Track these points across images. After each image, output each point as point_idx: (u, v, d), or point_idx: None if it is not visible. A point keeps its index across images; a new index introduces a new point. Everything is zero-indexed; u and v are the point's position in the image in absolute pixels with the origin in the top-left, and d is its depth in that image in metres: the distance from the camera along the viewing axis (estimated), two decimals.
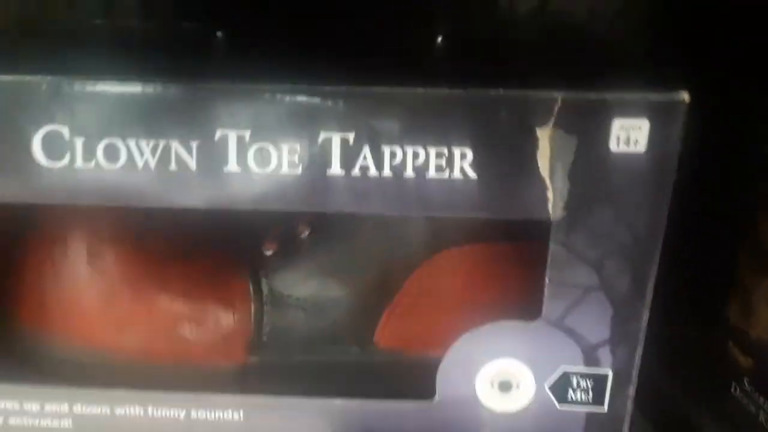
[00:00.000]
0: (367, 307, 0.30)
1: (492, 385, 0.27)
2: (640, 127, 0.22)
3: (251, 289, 0.30)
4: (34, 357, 0.29)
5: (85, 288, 0.30)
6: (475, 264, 0.29)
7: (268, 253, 0.30)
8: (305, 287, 0.30)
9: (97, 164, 0.23)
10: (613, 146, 0.22)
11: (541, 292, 0.26)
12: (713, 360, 0.53)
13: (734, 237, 0.50)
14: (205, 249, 0.30)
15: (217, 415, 0.28)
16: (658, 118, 0.22)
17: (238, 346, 0.30)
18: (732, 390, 0.50)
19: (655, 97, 0.22)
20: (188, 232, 0.30)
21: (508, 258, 0.29)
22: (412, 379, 0.28)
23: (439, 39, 0.31)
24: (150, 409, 0.28)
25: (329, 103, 0.22)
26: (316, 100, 0.22)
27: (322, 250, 0.30)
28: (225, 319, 0.30)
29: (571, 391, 0.27)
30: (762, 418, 0.48)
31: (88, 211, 0.27)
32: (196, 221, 0.30)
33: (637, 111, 0.22)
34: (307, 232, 0.30)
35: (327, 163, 0.23)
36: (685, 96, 0.22)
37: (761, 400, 0.48)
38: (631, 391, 0.27)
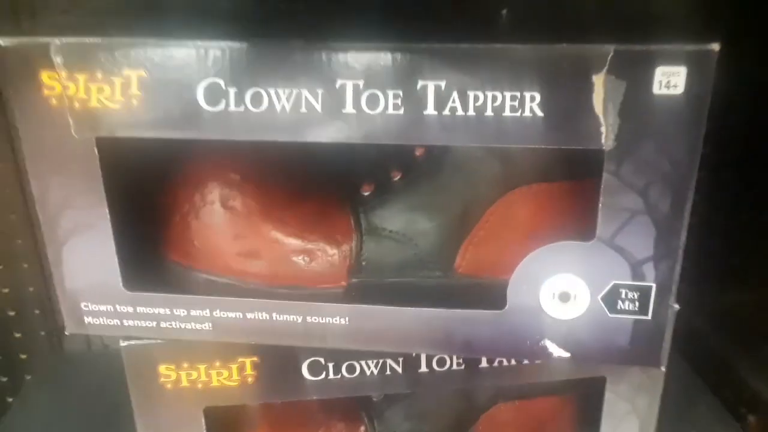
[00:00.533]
0: (449, 239, 0.36)
1: (553, 296, 0.32)
2: (678, 73, 0.27)
3: (352, 223, 0.37)
4: (180, 281, 0.35)
5: (220, 224, 0.36)
6: (541, 200, 0.35)
7: (366, 193, 0.37)
8: (397, 221, 0.36)
9: (246, 108, 0.30)
10: (656, 89, 0.28)
11: (595, 219, 0.31)
12: (757, 307, 0.57)
13: None
14: (314, 192, 0.37)
15: (327, 320, 0.34)
16: (693, 65, 0.27)
17: (341, 271, 0.36)
18: None
19: (690, 47, 0.27)
20: (300, 178, 0.37)
21: (568, 193, 0.34)
22: (487, 298, 0.34)
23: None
24: (274, 315, 0.34)
25: (426, 57, 0.28)
26: (416, 55, 0.28)
27: (411, 191, 0.36)
28: (330, 250, 0.36)
29: (620, 302, 0.32)
30: None
31: (223, 161, 0.34)
32: (307, 168, 0.36)
33: (676, 59, 0.27)
34: (399, 176, 0.36)
35: (423, 105, 0.29)
36: (715, 46, 0.27)
37: None
38: (672, 301, 0.32)
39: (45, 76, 0.30)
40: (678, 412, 0.41)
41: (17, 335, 0.63)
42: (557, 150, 0.33)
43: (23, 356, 0.63)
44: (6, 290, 0.61)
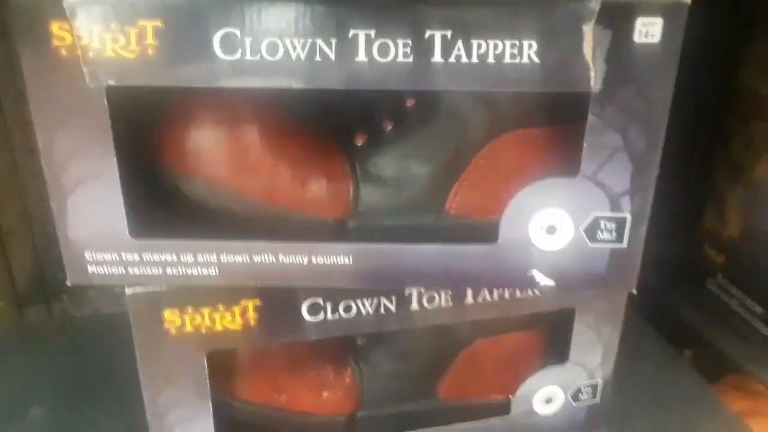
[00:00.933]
0: (440, 183, 0.39)
1: (541, 229, 0.36)
2: (655, 24, 0.31)
3: (348, 170, 0.39)
4: (189, 210, 0.37)
5: (221, 138, 0.37)
6: (526, 144, 0.38)
7: (360, 143, 0.39)
8: (390, 168, 0.39)
9: (262, 57, 0.31)
10: (636, 38, 0.31)
11: (575, 160, 0.35)
12: (692, 259, 0.63)
13: (712, 148, 0.60)
14: (312, 140, 0.39)
15: (331, 259, 0.36)
16: (668, 16, 0.31)
17: (339, 207, 0.38)
18: (707, 284, 0.61)
19: (666, 1, 0.31)
20: (298, 129, 0.39)
21: (550, 137, 0.38)
22: (476, 235, 0.37)
23: None
24: (280, 257, 0.36)
25: (433, 8, 0.31)
26: (423, 6, 0.31)
27: (402, 140, 0.39)
28: (328, 183, 0.38)
29: (599, 232, 0.36)
30: (734, 304, 0.58)
31: (240, 96, 0.35)
32: (304, 120, 0.38)
33: (654, 11, 0.31)
34: (390, 126, 0.39)
35: (431, 53, 0.31)
36: (687, 0, 0.31)
37: (733, 289, 0.58)
38: (643, 230, 0.36)
39: (55, 27, 0.31)
40: (630, 348, 0.46)
41: None
42: (540, 97, 0.37)
43: None
44: None
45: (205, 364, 0.39)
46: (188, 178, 0.37)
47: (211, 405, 0.40)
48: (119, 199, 0.34)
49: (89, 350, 0.57)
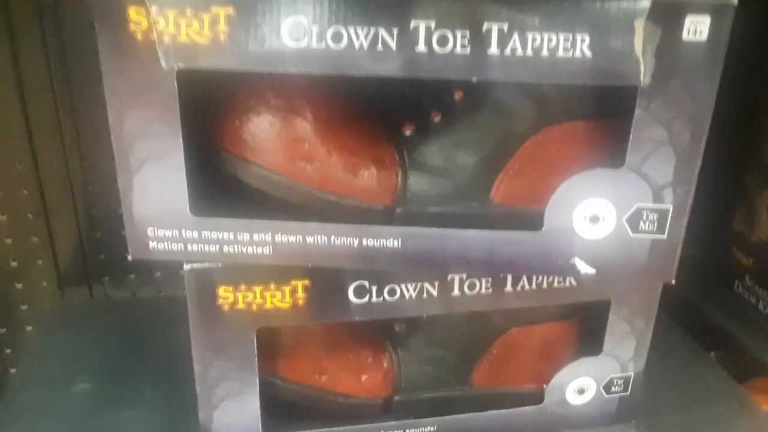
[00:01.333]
0: (485, 172, 0.40)
1: (584, 219, 0.37)
2: (703, 22, 0.32)
3: (397, 159, 0.40)
4: (246, 192, 0.38)
5: (277, 125, 0.39)
6: (570, 136, 0.39)
7: (408, 133, 0.41)
8: (437, 158, 0.40)
9: (327, 45, 0.33)
10: (685, 35, 0.33)
11: (617, 155, 0.36)
12: (721, 261, 0.64)
13: (743, 152, 0.61)
14: (363, 129, 0.40)
15: (381, 242, 0.38)
16: (716, 15, 0.32)
17: (387, 195, 0.40)
18: (735, 287, 0.62)
19: (714, 1, 0.32)
20: (350, 117, 0.40)
21: (594, 131, 0.39)
22: (518, 224, 0.39)
23: None
24: (332, 238, 0.38)
25: (490, 2, 0.32)
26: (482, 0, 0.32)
27: (450, 130, 0.40)
28: (378, 171, 0.40)
29: (641, 223, 0.37)
30: (761, 306, 0.59)
31: (296, 86, 0.37)
32: (363, 107, 0.40)
33: (703, 10, 0.32)
34: (438, 117, 0.40)
35: (488, 45, 0.33)
36: (734, 0, 0.32)
37: (761, 291, 0.59)
38: (684, 222, 0.37)
39: (132, 11, 0.33)
40: (659, 347, 0.47)
41: (18, 286, 0.63)
42: (585, 91, 0.38)
43: (24, 307, 0.64)
44: (9, 240, 0.61)
45: (255, 340, 0.40)
46: (245, 164, 0.39)
47: (258, 380, 0.41)
48: (182, 178, 0.36)
49: (128, 330, 0.59)
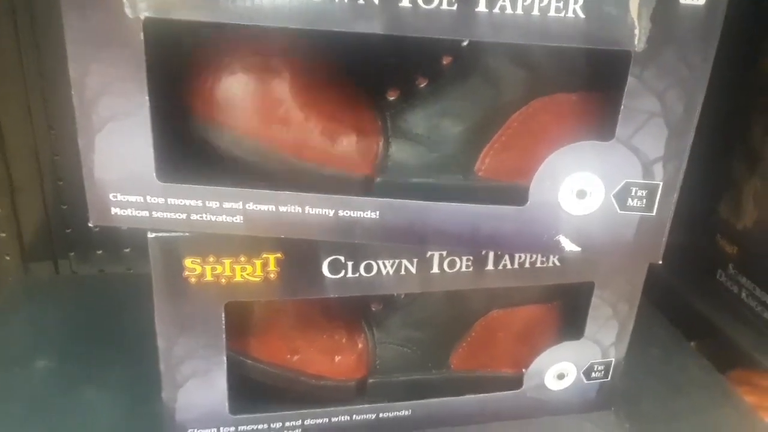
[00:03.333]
0: (471, 144, 0.38)
1: (571, 193, 0.35)
2: None
3: (379, 124, 0.38)
4: (217, 158, 0.36)
5: (252, 87, 0.36)
6: (561, 109, 0.38)
7: (392, 98, 0.39)
8: (421, 125, 0.39)
9: None
10: None
11: (608, 128, 0.34)
12: (704, 249, 0.63)
13: (729, 138, 0.60)
14: (344, 91, 0.38)
15: (358, 213, 0.36)
16: None
17: (367, 163, 0.38)
18: (718, 275, 0.61)
19: None
20: (331, 79, 0.38)
21: (585, 104, 0.37)
22: (503, 199, 0.37)
23: None
24: (307, 208, 0.36)
25: None
26: None
27: (436, 97, 0.38)
28: (357, 139, 0.38)
29: (629, 199, 0.36)
30: (743, 295, 0.58)
31: (273, 44, 0.35)
32: (337, 70, 0.38)
33: None
34: (424, 83, 0.38)
35: (475, 3, 0.31)
36: None
37: (744, 280, 0.58)
38: (674, 200, 0.36)
39: None
40: (640, 335, 0.46)
41: None
42: (576, 62, 0.36)
43: None
44: None
45: (223, 316, 0.38)
46: (218, 128, 0.37)
47: (225, 359, 0.39)
48: (148, 140, 0.34)
49: (94, 307, 0.57)
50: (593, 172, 0.35)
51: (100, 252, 0.63)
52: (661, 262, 0.37)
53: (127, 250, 0.64)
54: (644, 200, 0.35)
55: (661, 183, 0.35)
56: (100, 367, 0.49)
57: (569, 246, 0.36)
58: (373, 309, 0.46)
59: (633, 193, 0.35)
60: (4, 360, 0.49)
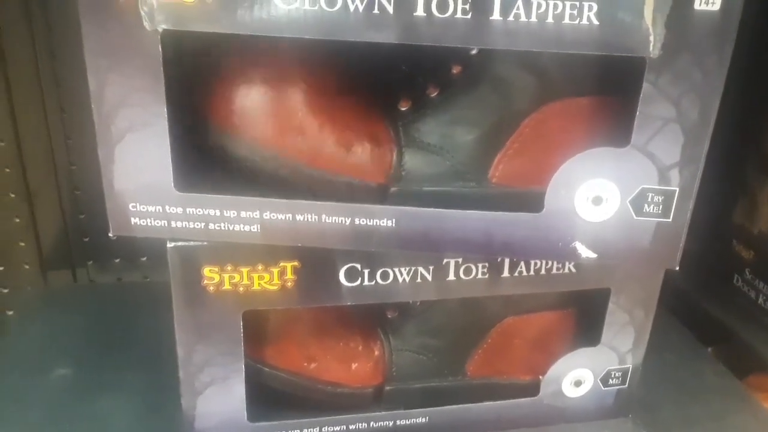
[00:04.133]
0: (484, 151, 0.39)
1: (587, 200, 0.35)
2: None
3: (392, 134, 0.39)
4: (235, 167, 0.36)
5: (268, 97, 0.37)
6: (572, 114, 0.38)
7: (404, 109, 0.39)
8: (433, 135, 0.39)
9: (320, 7, 0.31)
10: (697, 4, 0.31)
11: (621, 133, 0.34)
12: (720, 255, 0.63)
13: (743, 143, 0.60)
14: (358, 103, 0.39)
15: (374, 222, 0.36)
16: None
17: (381, 172, 0.38)
18: (735, 281, 0.60)
19: None
20: (345, 90, 0.39)
21: (597, 108, 0.38)
22: (517, 206, 0.37)
23: None
24: (323, 217, 0.36)
25: None
26: None
27: (447, 106, 0.39)
28: (371, 148, 0.38)
29: (646, 205, 0.35)
30: (760, 300, 0.58)
31: (289, 56, 0.35)
32: (357, 80, 0.38)
33: None
34: (436, 92, 0.39)
35: (490, 11, 0.31)
36: None
37: (761, 285, 0.57)
38: (691, 204, 0.35)
39: None
40: (657, 342, 0.46)
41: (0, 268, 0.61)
42: (588, 66, 0.36)
43: (5, 291, 0.62)
44: None
45: (241, 324, 0.39)
46: (234, 137, 0.37)
47: (243, 366, 0.40)
48: (167, 151, 0.34)
49: (112, 315, 0.57)
50: (609, 179, 0.35)
51: (117, 260, 0.64)
52: (677, 269, 0.37)
53: (144, 258, 0.64)
54: (660, 206, 0.35)
55: (678, 189, 0.35)
56: (118, 375, 0.49)
57: (585, 252, 0.36)
58: (389, 316, 0.46)
59: (649, 199, 0.35)
60: (23, 368, 0.50)
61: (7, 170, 0.59)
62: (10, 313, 0.62)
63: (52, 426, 0.45)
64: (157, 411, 0.45)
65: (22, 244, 0.61)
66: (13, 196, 0.60)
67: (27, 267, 0.62)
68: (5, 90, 0.56)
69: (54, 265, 0.63)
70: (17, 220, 0.60)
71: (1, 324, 0.61)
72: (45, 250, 0.62)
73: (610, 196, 0.35)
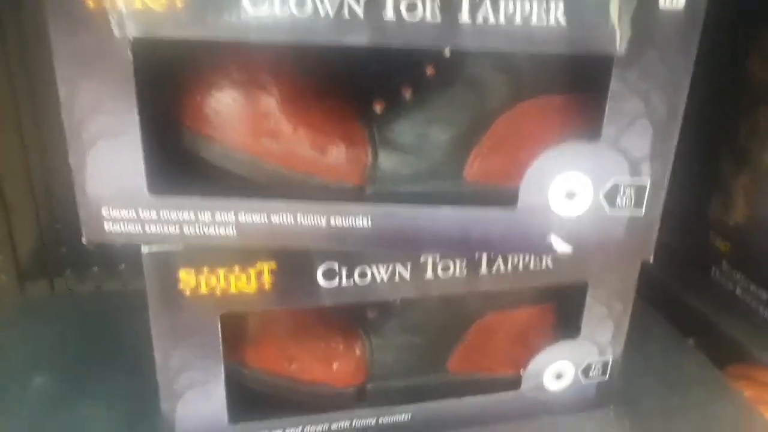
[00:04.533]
0: (459, 149, 0.39)
1: (560, 194, 0.36)
2: None
3: (367, 136, 0.39)
4: (208, 170, 0.36)
5: (241, 101, 0.36)
6: (546, 111, 0.38)
7: (377, 110, 0.39)
8: (408, 135, 0.39)
9: (290, 12, 0.31)
10: (662, 3, 0.32)
11: (593, 128, 0.35)
12: (697, 247, 0.63)
13: (717, 137, 0.61)
14: (331, 104, 0.39)
15: (350, 221, 0.36)
16: None
17: (357, 173, 0.38)
18: (712, 272, 0.61)
19: None
20: (317, 91, 0.39)
21: (570, 105, 0.38)
22: (494, 203, 0.37)
23: None
24: (299, 217, 0.36)
25: None
26: None
27: (421, 107, 0.39)
28: (347, 149, 0.38)
29: (618, 198, 0.36)
30: (738, 291, 0.59)
31: (261, 58, 0.35)
32: (331, 82, 0.38)
33: None
34: (409, 93, 0.39)
35: (458, 12, 0.32)
36: None
37: (738, 276, 0.58)
38: (662, 198, 0.36)
39: None
40: (636, 334, 0.46)
41: None
42: (560, 65, 0.37)
43: None
44: None
45: (219, 327, 0.39)
46: (208, 141, 0.37)
47: (223, 369, 0.40)
48: (139, 156, 0.34)
49: (91, 324, 0.57)
50: (582, 172, 0.35)
51: (95, 269, 0.64)
52: (652, 261, 0.37)
53: (123, 266, 0.64)
54: (633, 199, 0.36)
55: (650, 181, 0.35)
56: (98, 383, 0.49)
57: (560, 247, 0.37)
58: (370, 316, 0.46)
59: (622, 192, 0.35)
60: (2, 378, 0.49)
61: None
62: None
63: None
64: (139, 417, 0.45)
65: None
66: None
67: (4, 278, 0.61)
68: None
69: (31, 275, 0.62)
70: None
71: None
72: (22, 261, 0.61)
73: (583, 190, 0.35)
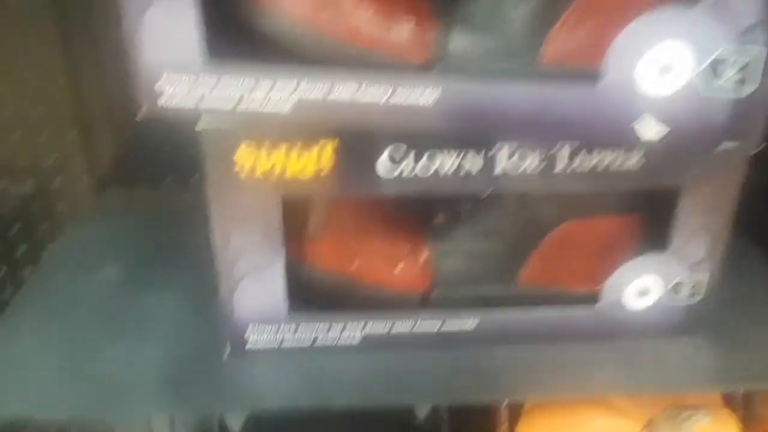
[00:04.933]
0: (534, 28, 0.35)
1: (652, 69, 0.31)
2: None
3: (436, 11, 0.36)
4: (269, 40, 0.34)
5: None
6: None
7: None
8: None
9: None
10: None
11: None
12: None
13: None
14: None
15: (416, 94, 0.33)
16: None
17: (424, 55, 0.35)
18: None
19: None
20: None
21: None
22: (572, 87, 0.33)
23: None
24: (362, 87, 0.34)
25: None
26: None
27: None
28: (412, 28, 0.35)
29: (722, 73, 0.31)
30: None
31: None
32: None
33: None
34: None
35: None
36: None
37: None
38: None
39: None
40: (732, 267, 0.41)
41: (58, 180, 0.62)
42: None
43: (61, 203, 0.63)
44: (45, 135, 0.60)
45: (279, 208, 0.37)
46: (270, 11, 0.35)
47: (284, 254, 0.38)
48: (195, 18, 0.32)
49: (169, 221, 0.57)
50: (679, 41, 0.31)
51: (167, 180, 0.64)
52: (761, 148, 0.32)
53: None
54: (741, 74, 0.31)
55: (765, 49, 0.30)
56: (167, 274, 0.50)
57: (648, 131, 0.32)
58: (438, 219, 0.44)
59: (726, 66, 0.31)
60: (76, 268, 0.51)
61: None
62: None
63: (104, 318, 0.46)
64: (203, 305, 0.45)
65: (77, 158, 0.62)
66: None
67: (85, 179, 0.63)
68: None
69: (110, 180, 0.64)
70: (74, 133, 0.61)
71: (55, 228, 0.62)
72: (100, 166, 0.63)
73: (679, 64, 0.31)
